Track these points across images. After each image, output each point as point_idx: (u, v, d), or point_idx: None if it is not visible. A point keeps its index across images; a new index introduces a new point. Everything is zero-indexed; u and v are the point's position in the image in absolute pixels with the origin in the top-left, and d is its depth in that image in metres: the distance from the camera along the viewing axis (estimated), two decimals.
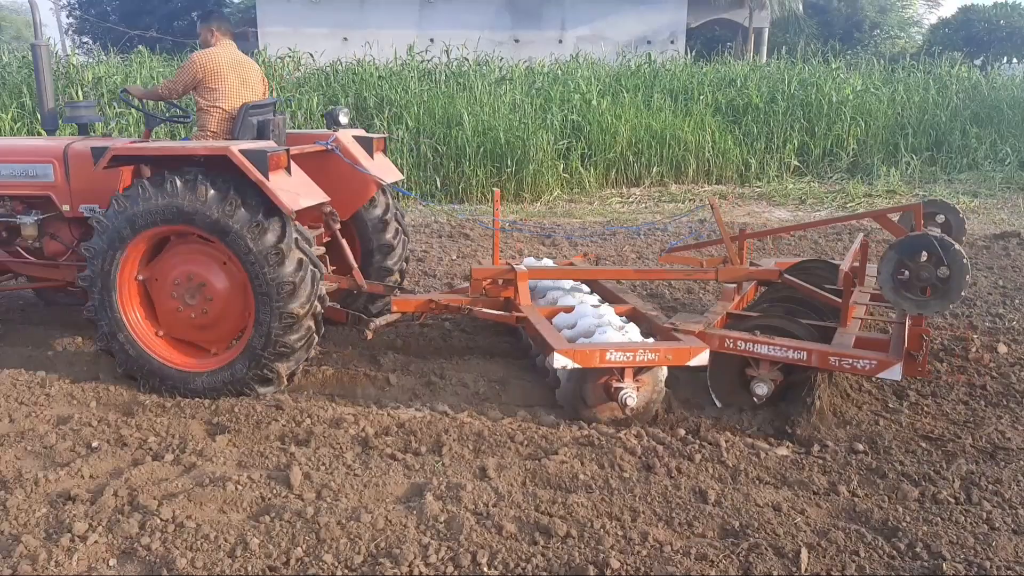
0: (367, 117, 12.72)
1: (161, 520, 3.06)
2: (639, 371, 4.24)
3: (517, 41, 25.33)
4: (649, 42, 24.27)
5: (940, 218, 5.15)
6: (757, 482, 3.55)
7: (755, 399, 4.34)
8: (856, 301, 4.74)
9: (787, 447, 3.95)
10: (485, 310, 4.96)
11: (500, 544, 2.96)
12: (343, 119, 5.80)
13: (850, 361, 4.11)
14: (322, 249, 5.01)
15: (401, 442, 3.85)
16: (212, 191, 4.22)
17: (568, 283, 5.48)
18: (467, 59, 15.47)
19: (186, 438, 3.85)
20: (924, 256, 4.00)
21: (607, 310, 4.83)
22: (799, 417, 4.16)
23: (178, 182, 4.25)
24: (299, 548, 2.93)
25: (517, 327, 5.09)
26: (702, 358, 4.27)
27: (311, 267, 4.39)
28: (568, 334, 4.56)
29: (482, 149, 11.79)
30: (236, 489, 3.30)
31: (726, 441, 3.87)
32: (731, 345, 4.37)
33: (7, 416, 4.12)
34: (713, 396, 4.50)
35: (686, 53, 20.60)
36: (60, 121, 5.71)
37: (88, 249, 4.48)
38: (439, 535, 3.02)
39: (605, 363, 4.17)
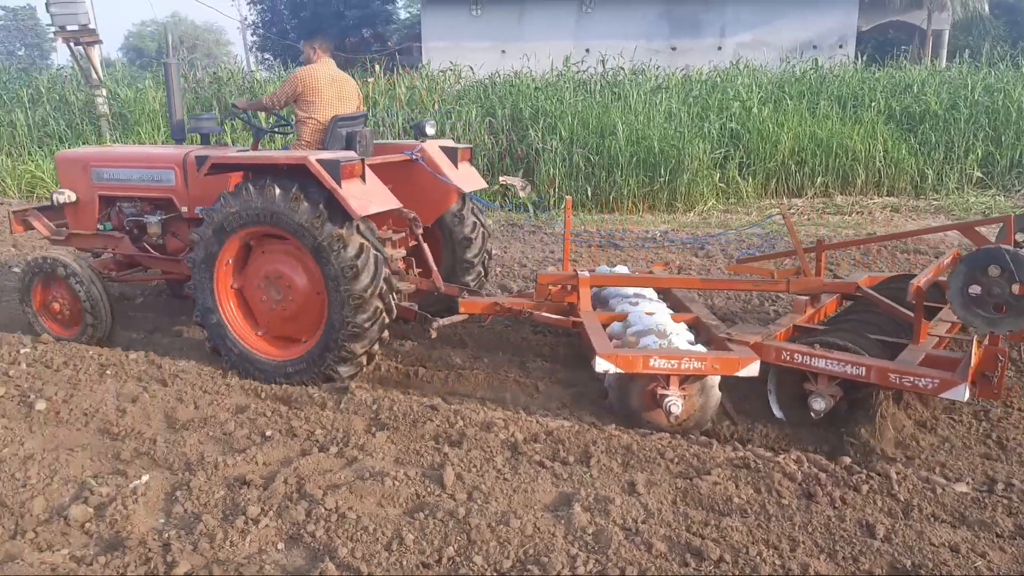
0: (522, 128, 12.93)
1: (325, 509, 3.24)
2: (686, 379, 4.23)
3: (674, 49, 24.92)
4: (815, 47, 23.16)
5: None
6: (932, 519, 3.28)
7: (812, 414, 4.24)
8: (942, 318, 4.59)
9: (967, 484, 3.62)
10: (545, 314, 5.16)
11: (649, 562, 2.90)
12: (429, 130, 6.12)
13: (911, 379, 3.95)
14: (403, 252, 5.46)
15: (549, 450, 3.87)
16: (296, 196, 4.66)
17: (634, 291, 5.45)
18: (623, 69, 15.40)
19: (349, 432, 4.06)
20: (997, 271, 3.76)
21: (664, 318, 4.74)
22: (855, 437, 4.08)
23: (269, 188, 4.72)
24: (451, 547, 3.01)
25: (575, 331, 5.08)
26: (751, 369, 4.20)
27: (374, 252, 4.73)
28: (617, 340, 4.59)
29: (635, 158, 11.68)
30: (393, 484, 3.44)
31: (897, 473, 3.60)
32: (787, 358, 4.30)
33: (192, 403, 4.51)
34: (775, 408, 4.41)
35: (857, 58, 19.46)
36: (187, 131, 6.30)
37: (197, 235, 5.06)
38: (587, 547, 3.00)
39: (648, 369, 4.21)
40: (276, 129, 6.63)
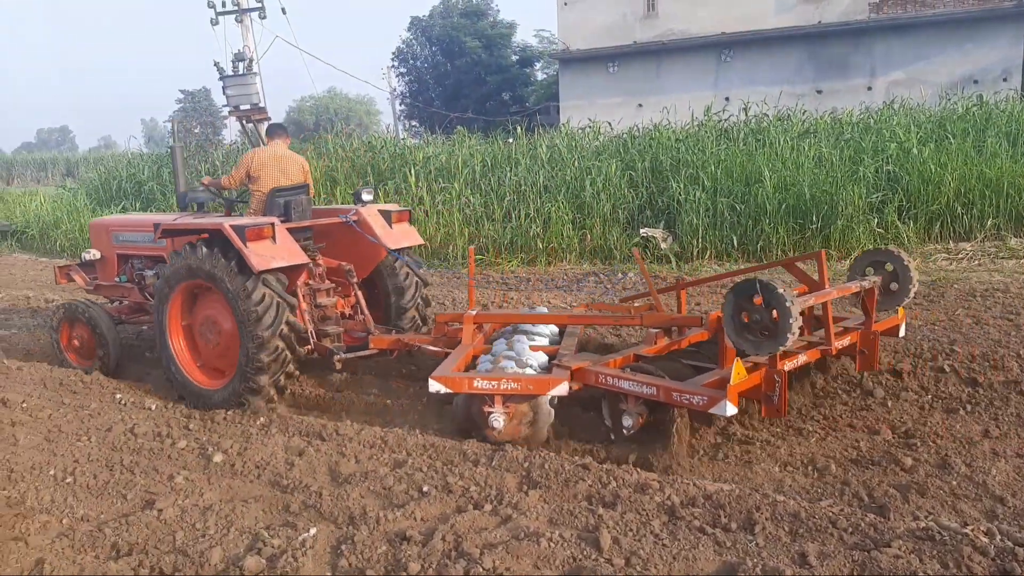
0: (663, 179, 12.85)
1: (484, 569, 3.25)
2: (510, 399, 4.79)
3: (820, 92, 24.16)
4: (976, 81, 21.77)
5: (889, 266, 5.39)
6: None
7: (624, 431, 4.76)
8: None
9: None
10: (429, 348, 6.02)
11: None
12: (366, 197, 7.04)
13: (688, 396, 4.45)
14: (333, 299, 6.55)
15: (709, 515, 3.71)
16: (213, 254, 5.76)
17: (540, 327, 6.04)
18: (766, 115, 15.05)
19: (502, 490, 4.07)
20: (759, 299, 4.30)
21: (524, 348, 5.42)
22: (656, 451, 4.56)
23: (198, 248, 5.88)
24: None
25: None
26: (560, 389, 4.79)
27: (276, 300, 5.69)
28: (481, 367, 5.29)
29: (784, 206, 11.28)
30: (549, 546, 3.40)
31: None
32: (601, 380, 4.85)
33: (354, 457, 4.69)
34: (610, 427, 4.89)
35: None
36: (187, 202, 7.37)
37: (156, 285, 6.37)
38: None
39: (472, 389, 4.87)
40: (236, 200, 7.45)
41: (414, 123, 41.64)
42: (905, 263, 5.33)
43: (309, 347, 6.28)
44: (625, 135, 15.19)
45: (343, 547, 3.57)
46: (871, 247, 11.09)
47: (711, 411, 4.32)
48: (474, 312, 5.93)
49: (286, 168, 6.82)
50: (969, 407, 5.16)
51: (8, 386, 7.06)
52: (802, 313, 4.50)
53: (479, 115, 32.74)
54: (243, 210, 7.18)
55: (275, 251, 5.78)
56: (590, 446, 4.91)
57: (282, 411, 5.71)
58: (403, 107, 43.12)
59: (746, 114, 15.25)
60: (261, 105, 16.41)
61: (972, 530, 3.42)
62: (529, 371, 5.07)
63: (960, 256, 10.80)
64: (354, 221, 6.71)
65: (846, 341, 5.21)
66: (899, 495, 3.96)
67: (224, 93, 16.21)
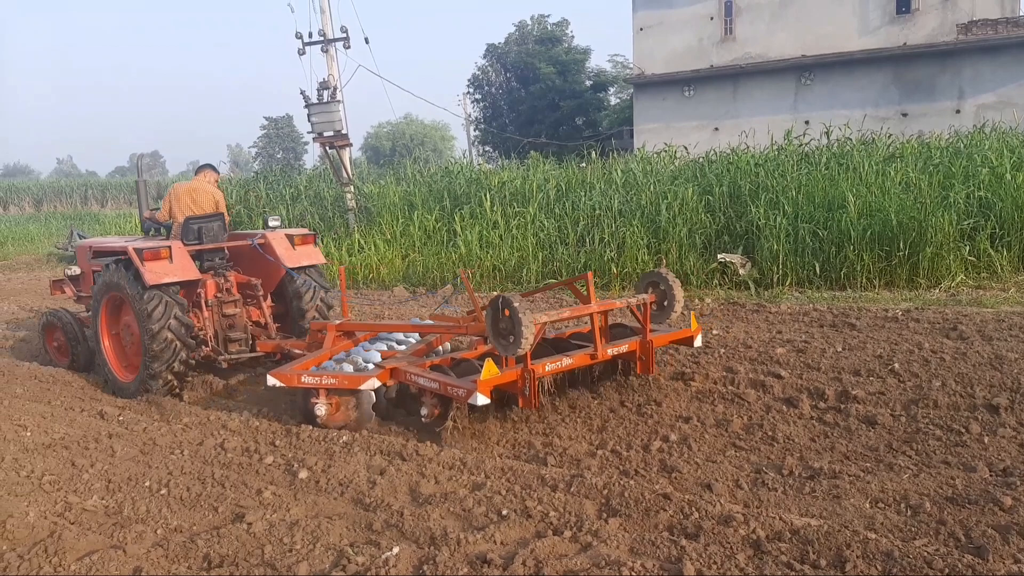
0: (741, 204, 12.65)
1: None
2: (335, 392, 5.84)
3: (905, 115, 23.45)
4: None
5: (662, 285, 6.34)
6: None
7: (423, 419, 5.68)
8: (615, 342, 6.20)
9: None
10: (295, 351, 7.15)
11: None
12: (272, 223, 8.43)
13: (456, 389, 5.30)
14: (237, 310, 7.75)
15: (797, 551, 3.60)
16: (121, 271, 7.20)
17: (395, 335, 7.09)
18: (849, 139, 14.67)
19: (581, 517, 4.05)
20: (507, 311, 5.24)
21: (371, 353, 6.46)
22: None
23: (114, 266, 7.33)
24: None
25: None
26: (370, 384, 5.77)
27: (167, 307, 6.98)
28: (326, 367, 6.22)
29: (868, 232, 10.94)
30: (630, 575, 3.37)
31: None
32: (406, 377, 5.78)
33: (433, 478, 4.75)
34: (422, 415, 5.69)
35: None
36: (148, 227, 8.67)
37: (92, 296, 7.85)
38: None
39: (300, 384, 5.95)
40: (163, 227, 8.48)
41: (488, 148, 42.21)
42: (670, 283, 6.28)
43: (208, 349, 7.56)
44: (702, 159, 15.04)
45: (425, 567, 3.61)
46: (963, 276, 10.66)
47: (468, 401, 5.14)
48: (337, 322, 7.06)
49: (198, 200, 8.19)
50: None
51: (103, 399, 7.44)
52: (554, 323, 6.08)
53: (553, 140, 32.95)
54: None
55: (170, 269, 7.12)
56: (403, 429, 5.88)
57: (364, 432, 5.83)
58: (477, 132, 43.78)
59: (828, 138, 14.89)
60: (343, 132, 17.01)
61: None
62: (348, 369, 6.05)
63: None
64: (259, 244, 7.94)
65: (624, 348, 6.09)
66: (998, 536, 3.77)
67: (308, 120, 16.89)
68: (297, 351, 7.16)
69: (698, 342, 6.60)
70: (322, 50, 17.72)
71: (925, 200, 11.15)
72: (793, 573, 3.39)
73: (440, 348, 7.02)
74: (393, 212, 16.13)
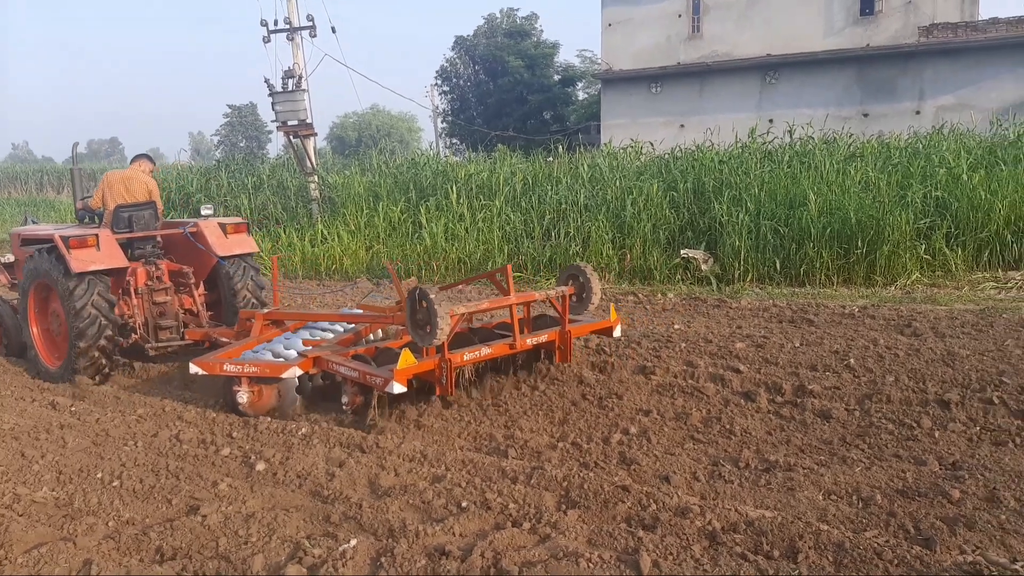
0: (704, 200, 12.78)
1: None
2: (261, 381, 5.93)
3: (866, 116, 23.86)
4: None
5: (581, 278, 6.44)
6: None
7: (344, 407, 5.79)
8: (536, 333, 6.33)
9: None
10: (221, 339, 7.19)
11: None
12: (204, 212, 8.39)
13: (374, 378, 5.42)
14: (167, 297, 7.79)
15: (751, 542, 3.65)
16: (48, 258, 7.22)
17: (328, 324, 7.14)
18: (812, 138, 14.90)
19: (541, 509, 4.06)
20: (424, 303, 5.36)
21: (296, 342, 6.50)
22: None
23: (41, 254, 7.33)
24: None
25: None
26: (291, 372, 5.86)
27: (93, 295, 7.00)
28: (246, 356, 6.29)
29: (828, 230, 11.13)
30: (588, 567, 3.38)
31: None
32: (329, 366, 5.91)
33: (393, 470, 4.72)
34: (343, 404, 5.79)
35: None
36: (78, 215, 8.72)
37: (19, 288, 7.99)
38: None
39: (222, 372, 6.02)
40: (96, 215, 8.45)
41: (455, 140, 42.05)
42: (588, 276, 6.39)
43: (136, 336, 7.62)
44: (667, 155, 15.16)
45: (383, 559, 3.59)
46: (918, 274, 10.89)
47: (385, 390, 5.27)
48: (265, 311, 7.17)
49: (131, 188, 8.13)
50: (1019, 439, 5.01)
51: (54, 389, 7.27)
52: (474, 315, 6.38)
53: (520, 134, 32.92)
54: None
55: (96, 256, 7.14)
56: (326, 416, 5.97)
57: (323, 424, 5.77)
58: (445, 124, 43.58)
59: (791, 136, 15.11)
60: (308, 121, 16.80)
61: (1021, 566, 3.33)
62: (268, 357, 6.14)
63: (1009, 285, 10.54)
64: (191, 233, 7.96)
65: (543, 338, 6.24)
66: (946, 528, 3.86)
67: (273, 108, 16.66)
68: (224, 339, 7.17)
69: (617, 332, 6.77)
70: (288, 38, 17.50)
71: (883, 199, 11.38)
72: (747, 564, 3.43)
73: (371, 336, 7.05)
74: (358, 203, 15.99)
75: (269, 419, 5.81)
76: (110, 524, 4.20)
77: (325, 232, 15.50)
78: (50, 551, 3.84)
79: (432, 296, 5.29)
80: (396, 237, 14.58)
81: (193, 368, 6.16)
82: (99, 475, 4.91)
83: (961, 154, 12.98)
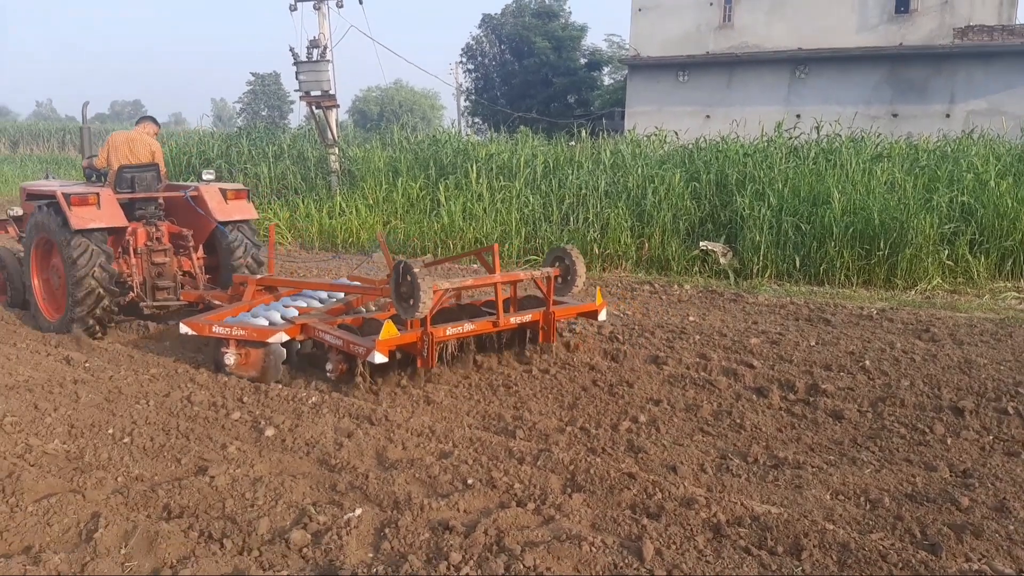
0: (727, 193, 12.66)
1: (524, 566, 3.25)
2: (245, 344, 6.07)
3: (895, 116, 23.52)
4: None
5: (566, 260, 6.57)
6: None
7: (328, 374, 5.92)
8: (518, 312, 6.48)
9: None
10: (216, 302, 7.38)
11: None
12: (206, 176, 8.60)
13: (357, 347, 5.58)
14: (167, 259, 7.93)
15: (756, 536, 3.64)
16: (50, 213, 7.40)
17: (325, 293, 7.33)
18: (839, 135, 14.70)
19: (546, 490, 4.06)
20: (408, 277, 5.48)
21: (291, 310, 6.65)
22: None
23: (44, 209, 7.54)
24: None
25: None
26: (278, 338, 5.98)
27: (92, 251, 7.16)
28: (240, 318, 6.43)
29: (851, 229, 11.00)
30: (591, 550, 3.38)
31: None
32: (315, 333, 6.05)
33: (401, 443, 4.74)
34: (328, 371, 5.95)
35: None
36: (89, 173, 8.73)
37: (24, 237, 8.20)
38: None
39: (211, 334, 6.21)
40: (102, 174, 8.52)
41: (477, 120, 41.86)
42: (573, 259, 6.52)
43: (133, 295, 7.79)
44: (691, 146, 15.01)
45: (387, 530, 3.61)
46: (939, 279, 10.77)
47: (367, 359, 5.41)
48: (258, 276, 7.39)
49: (135, 150, 8.24)
50: None
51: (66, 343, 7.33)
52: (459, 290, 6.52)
53: (543, 116, 32.74)
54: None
55: (96, 215, 7.28)
56: (311, 380, 6.07)
57: (334, 394, 5.79)
58: (468, 103, 43.38)
59: (818, 133, 14.92)
60: (331, 92, 16.75)
61: None
62: (260, 322, 6.28)
63: None
64: (191, 197, 8.08)
65: (527, 318, 6.37)
66: (953, 535, 3.83)
67: (297, 78, 16.62)
68: (217, 302, 7.34)
69: (603, 316, 6.92)
70: (314, 7, 17.42)
71: (909, 201, 11.22)
72: (750, 558, 3.42)
73: (362, 308, 7.17)
74: (377, 177, 15.97)
75: (280, 386, 5.84)
76: (119, 479, 4.25)
77: (343, 205, 15.50)
78: (59, 502, 3.89)
79: (416, 271, 5.43)
80: (414, 213, 14.56)
81: (183, 328, 6.33)
82: (110, 431, 4.96)
83: (990, 160, 12.77)
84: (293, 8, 17.35)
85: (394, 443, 4.72)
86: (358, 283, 7.49)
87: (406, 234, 13.85)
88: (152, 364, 6.60)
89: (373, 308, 7.31)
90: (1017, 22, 23.80)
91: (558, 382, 6.19)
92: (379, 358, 5.37)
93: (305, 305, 6.97)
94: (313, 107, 17.00)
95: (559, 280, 6.59)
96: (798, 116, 18.56)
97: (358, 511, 3.77)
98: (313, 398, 5.59)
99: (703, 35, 27.32)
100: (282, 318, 6.48)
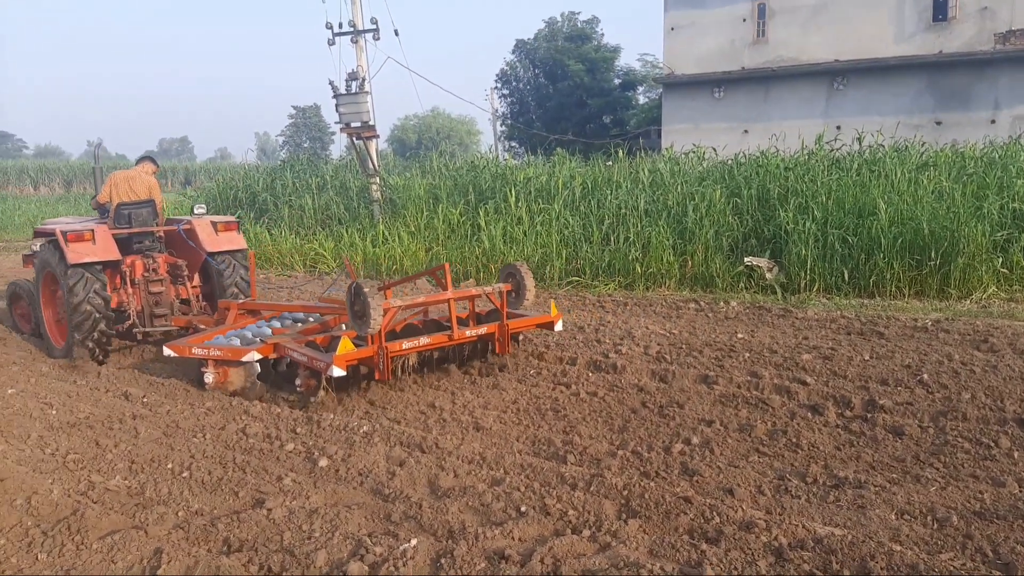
0: (769, 208, 12.51)
1: None
2: (225, 363, 6.61)
3: (939, 124, 23.06)
4: None
5: (516, 276, 7.02)
6: None
7: (297, 388, 6.32)
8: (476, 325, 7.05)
9: None
10: (200, 325, 7.98)
11: None
12: (197, 211, 9.26)
13: (318, 363, 5.95)
14: (162, 288, 8.52)
15: (820, 560, 3.55)
16: (51, 250, 8.10)
17: (301, 315, 7.89)
18: (882, 146, 14.46)
19: (601, 517, 4.02)
20: (361, 295, 5.93)
21: (265, 330, 7.23)
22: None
23: (47, 246, 8.29)
24: None
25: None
26: (250, 356, 6.45)
27: (87, 282, 7.77)
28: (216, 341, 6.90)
29: (900, 240, 10.78)
30: None
31: None
32: (284, 351, 6.42)
33: (452, 471, 4.74)
34: (297, 386, 6.31)
35: None
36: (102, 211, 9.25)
37: (33, 271, 8.88)
38: None
39: (190, 355, 6.75)
40: (106, 210, 9.04)
41: (514, 144, 42.13)
42: (523, 275, 6.99)
43: (129, 323, 8.30)
44: (730, 161, 14.89)
45: (443, 560, 3.60)
46: (995, 288, 10.47)
47: (327, 373, 5.78)
48: (239, 301, 8.02)
49: (135, 187, 8.87)
50: None
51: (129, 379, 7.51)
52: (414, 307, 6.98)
53: (579, 137, 32.81)
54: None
55: (91, 249, 7.88)
56: (284, 395, 6.52)
57: (384, 422, 5.83)
58: (504, 128, 43.69)
59: (860, 144, 14.68)
60: (371, 123, 17.03)
61: None
62: (236, 343, 6.74)
63: None
64: (184, 230, 8.75)
65: (483, 331, 6.79)
66: None
67: (337, 110, 16.93)
68: (203, 326, 7.91)
69: (559, 327, 7.34)
70: (352, 41, 17.78)
71: (958, 210, 10.96)
72: None
73: (342, 326, 7.40)
74: (418, 205, 16.13)
75: (332, 416, 5.89)
76: (179, 514, 4.32)
77: (386, 233, 15.69)
78: (123, 538, 3.97)
79: (366, 290, 5.91)
80: (455, 239, 14.67)
81: (167, 351, 6.94)
82: (169, 465, 5.05)
83: None
84: (331, 42, 17.72)
85: (445, 471, 4.73)
86: (326, 304, 8.03)
87: (449, 259, 13.95)
88: (207, 397, 6.71)
89: (344, 327, 7.50)
90: None
91: (607, 404, 6.15)
92: (338, 372, 5.75)
93: (280, 326, 7.52)
94: (353, 138, 17.30)
95: (512, 295, 7.07)
96: (838, 128, 18.35)
97: (413, 541, 3.77)
98: (364, 427, 5.63)
99: (737, 51, 27.18)
100: (256, 338, 6.98)
